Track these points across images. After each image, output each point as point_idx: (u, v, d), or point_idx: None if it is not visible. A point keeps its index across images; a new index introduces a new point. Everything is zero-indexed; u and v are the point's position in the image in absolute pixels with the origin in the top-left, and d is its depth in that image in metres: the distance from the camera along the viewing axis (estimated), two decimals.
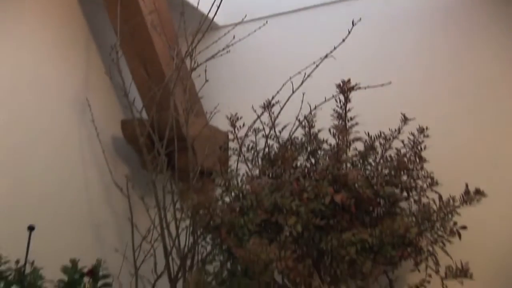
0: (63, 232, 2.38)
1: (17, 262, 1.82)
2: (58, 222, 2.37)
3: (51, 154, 2.43)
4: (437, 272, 1.97)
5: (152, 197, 2.44)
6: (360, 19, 2.23)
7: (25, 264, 1.84)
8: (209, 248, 2.22)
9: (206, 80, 2.49)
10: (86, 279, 1.91)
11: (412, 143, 2.12)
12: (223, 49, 2.38)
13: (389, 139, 2.13)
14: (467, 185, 1.97)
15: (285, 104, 2.33)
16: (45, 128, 2.42)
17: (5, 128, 2.23)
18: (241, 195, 2.11)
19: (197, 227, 2.24)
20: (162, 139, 2.42)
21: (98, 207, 2.65)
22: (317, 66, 2.31)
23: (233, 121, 2.27)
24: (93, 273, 1.95)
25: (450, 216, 1.97)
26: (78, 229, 2.49)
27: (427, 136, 2.11)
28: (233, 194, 2.15)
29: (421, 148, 2.11)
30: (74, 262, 1.91)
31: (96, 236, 2.59)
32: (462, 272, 1.93)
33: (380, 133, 2.14)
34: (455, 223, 1.95)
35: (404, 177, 2.07)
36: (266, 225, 1.98)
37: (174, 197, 2.40)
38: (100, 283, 1.96)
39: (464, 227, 1.93)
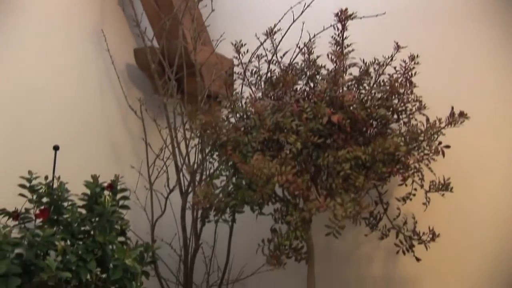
0: (85, 151, 2.53)
1: (46, 178, 1.95)
2: (80, 143, 2.51)
3: (73, 81, 2.55)
4: (421, 186, 2.13)
5: (163, 118, 2.61)
6: None
7: (52, 179, 1.96)
8: (216, 164, 2.35)
9: (212, 10, 2.58)
10: (106, 192, 2.00)
11: (403, 69, 2.18)
12: None
13: (383, 65, 2.19)
14: (452, 108, 2.07)
15: (286, 32, 2.41)
16: (67, 58, 2.54)
17: (34, 57, 2.35)
18: (245, 115, 2.23)
19: (205, 145, 2.38)
20: (172, 65, 2.55)
21: (115, 128, 2.78)
22: None
23: (237, 47, 2.35)
24: (112, 187, 2.05)
25: (435, 136, 2.06)
26: (97, 149, 2.64)
27: (418, 63, 2.18)
28: (237, 115, 2.25)
29: (411, 74, 2.19)
30: (95, 178, 2.00)
31: (114, 155, 2.75)
32: (444, 186, 2.09)
33: (374, 59, 2.21)
34: (440, 143, 2.05)
35: (395, 101, 2.14)
36: (268, 143, 2.09)
37: (184, 118, 2.54)
38: (119, 195, 2.06)
39: (447, 146, 2.04)
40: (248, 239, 2.71)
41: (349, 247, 2.58)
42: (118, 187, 2.07)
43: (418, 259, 2.20)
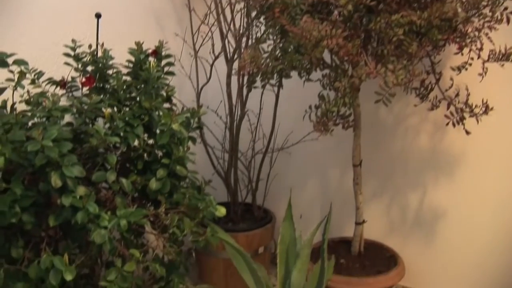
0: (127, 19, 2.46)
1: (90, 46, 1.92)
2: (122, 10, 2.43)
3: None
4: (479, 56, 1.98)
5: None
6: None
7: (96, 47, 1.94)
8: (262, 28, 2.24)
9: None
10: (151, 59, 1.98)
11: None
12: None
13: None
14: None
15: None
16: None
17: None
18: None
19: (251, 9, 2.26)
20: None
21: None
22: None
23: None
24: (157, 53, 2.01)
25: (501, 0, 1.88)
26: (140, 17, 2.56)
27: None
28: None
29: None
30: (139, 44, 1.97)
31: (157, 22, 2.67)
32: (504, 56, 1.94)
33: None
34: (505, 8, 1.88)
35: None
36: (318, 5, 1.98)
37: None
38: (163, 62, 2.03)
39: None
40: (294, 108, 2.71)
41: (397, 118, 2.54)
42: (163, 53, 2.03)
43: (468, 132, 2.13)
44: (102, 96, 1.82)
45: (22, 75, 1.58)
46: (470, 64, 2.02)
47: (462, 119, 2.11)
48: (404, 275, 2.28)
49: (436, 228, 2.53)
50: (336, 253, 2.40)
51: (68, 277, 1.44)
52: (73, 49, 1.89)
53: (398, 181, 2.59)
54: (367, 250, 2.45)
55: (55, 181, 1.43)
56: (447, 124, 2.12)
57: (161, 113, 1.82)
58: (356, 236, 2.39)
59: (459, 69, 2.04)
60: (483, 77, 2.02)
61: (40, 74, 1.71)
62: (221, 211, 1.81)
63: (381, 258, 2.39)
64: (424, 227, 2.56)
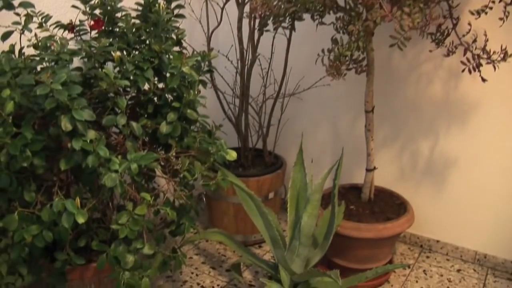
0: None
1: None
2: None
3: None
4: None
5: None
6: None
7: None
8: None
9: None
10: (160, 1, 1.90)
11: None
12: None
13: None
14: None
15: None
16: None
17: None
18: None
19: None
20: None
21: None
22: None
23: None
24: None
25: None
26: None
27: None
28: None
29: None
30: None
31: None
32: None
33: None
34: None
35: None
36: None
37: None
38: (173, 4, 1.96)
39: None
40: (306, 53, 2.67)
41: (410, 65, 2.49)
42: None
43: (484, 79, 2.08)
44: (111, 39, 1.79)
45: (29, 18, 1.55)
46: (491, 8, 1.96)
47: (478, 65, 2.06)
48: (413, 222, 2.30)
49: (447, 176, 2.52)
50: (346, 200, 2.41)
51: (80, 220, 1.45)
52: None
53: (410, 128, 2.57)
54: (377, 197, 2.46)
55: (65, 124, 1.42)
56: (463, 70, 2.08)
57: (171, 56, 1.79)
58: (366, 183, 2.40)
59: (478, 13, 1.97)
60: (504, 21, 1.96)
61: (47, 17, 1.68)
62: (232, 155, 1.81)
63: (391, 205, 2.40)
64: (435, 176, 2.55)
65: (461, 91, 2.37)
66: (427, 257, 2.62)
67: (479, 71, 2.06)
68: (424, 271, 2.49)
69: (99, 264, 1.65)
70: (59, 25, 1.81)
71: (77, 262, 1.71)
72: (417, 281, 2.40)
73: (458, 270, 2.49)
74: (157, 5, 1.86)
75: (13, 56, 1.61)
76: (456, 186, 2.50)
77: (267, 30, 2.26)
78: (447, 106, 2.43)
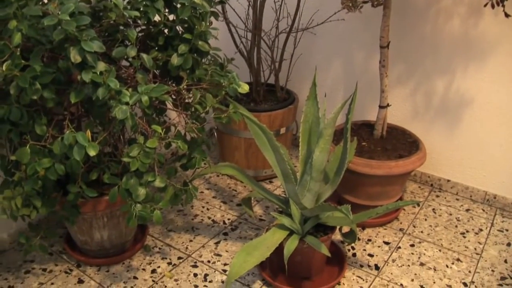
0: None
1: None
2: None
3: None
4: None
5: None
6: None
7: None
8: None
9: None
10: None
11: None
12: None
13: None
14: None
15: None
16: None
17: None
18: None
19: None
20: None
21: None
22: None
23: None
24: None
25: None
26: None
27: None
28: None
29: None
30: None
31: None
32: None
33: None
34: None
35: None
36: None
37: None
38: None
39: None
40: None
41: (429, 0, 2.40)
42: None
43: (507, 15, 2.01)
44: None
45: None
46: None
47: None
48: (425, 161, 2.28)
49: (461, 116, 2.48)
50: (358, 136, 2.40)
51: (92, 152, 1.45)
52: None
53: (425, 66, 2.51)
54: (389, 134, 2.44)
55: (74, 56, 1.40)
56: (485, 5, 2.00)
57: None
58: (379, 120, 2.37)
59: None
60: None
61: None
62: (244, 87, 1.78)
63: (403, 143, 2.38)
64: (449, 115, 2.52)
65: (481, 28, 2.29)
66: (437, 196, 2.63)
67: (503, 5, 1.98)
68: (433, 209, 2.50)
69: (111, 197, 1.67)
70: None
71: (89, 195, 1.73)
72: (426, 219, 2.41)
73: (467, 210, 2.50)
74: None
75: None
76: (470, 126, 2.47)
77: None
78: (465, 44, 2.35)
